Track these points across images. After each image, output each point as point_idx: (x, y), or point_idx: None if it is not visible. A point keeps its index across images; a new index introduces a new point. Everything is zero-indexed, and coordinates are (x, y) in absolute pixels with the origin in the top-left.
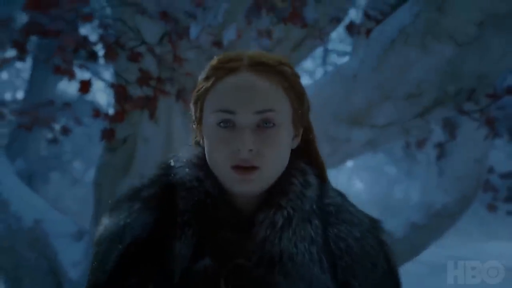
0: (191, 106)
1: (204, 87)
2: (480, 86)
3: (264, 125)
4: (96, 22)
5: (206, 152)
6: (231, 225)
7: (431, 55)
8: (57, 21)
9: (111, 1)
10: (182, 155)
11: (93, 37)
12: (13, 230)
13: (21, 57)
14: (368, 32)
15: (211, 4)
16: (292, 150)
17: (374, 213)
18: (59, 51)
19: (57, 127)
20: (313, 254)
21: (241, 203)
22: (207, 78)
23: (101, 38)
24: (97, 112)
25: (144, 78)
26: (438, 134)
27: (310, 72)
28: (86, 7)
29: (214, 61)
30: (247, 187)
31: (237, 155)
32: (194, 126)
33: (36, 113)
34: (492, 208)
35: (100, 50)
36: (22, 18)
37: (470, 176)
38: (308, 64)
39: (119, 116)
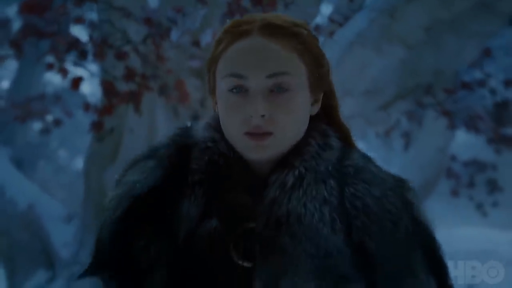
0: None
1: (215, 53)
2: (438, 82)
3: (278, 90)
4: (86, 24)
5: (220, 119)
6: (243, 187)
7: (385, 57)
8: (50, 24)
9: (99, 5)
10: (199, 123)
11: (82, 36)
12: (8, 214)
13: (18, 56)
14: (332, 34)
15: (190, 10)
16: (312, 116)
17: None
18: (52, 51)
19: (49, 118)
20: (325, 215)
21: (255, 165)
22: (218, 43)
23: (91, 39)
24: (87, 106)
25: (130, 75)
26: (405, 124)
27: None
28: (77, 10)
29: (226, 25)
30: (261, 154)
31: (250, 121)
32: (209, 95)
33: (29, 106)
34: (455, 193)
35: (89, 50)
36: (18, 19)
37: (432, 163)
38: None
39: (108, 109)
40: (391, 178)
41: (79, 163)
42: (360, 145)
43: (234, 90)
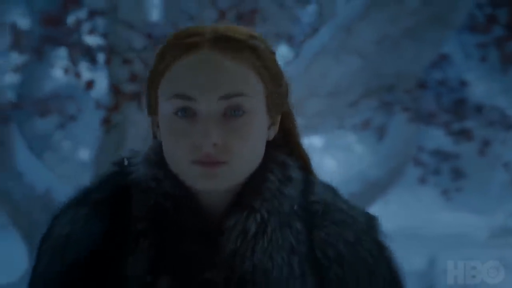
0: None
1: (158, 68)
2: (399, 83)
3: (232, 113)
4: (97, 34)
5: (163, 147)
6: (195, 234)
7: (343, 65)
8: (67, 34)
9: (108, 19)
10: (139, 151)
11: (89, 40)
12: (27, 197)
13: (38, 61)
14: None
15: (185, 26)
16: (269, 142)
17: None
18: (69, 57)
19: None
20: (294, 267)
21: (207, 205)
22: (161, 57)
23: (101, 47)
24: (98, 105)
25: (133, 78)
26: (377, 120)
27: None
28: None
29: (170, 37)
30: (212, 184)
31: (199, 149)
32: (149, 116)
33: (46, 103)
34: (422, 180)
35: (100, 56)
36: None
37: (400, 154)
38: None
39: (115, 107)
40: (361, 216)
41: (83, 154)
42: (350, 136)
43: (179, 113)
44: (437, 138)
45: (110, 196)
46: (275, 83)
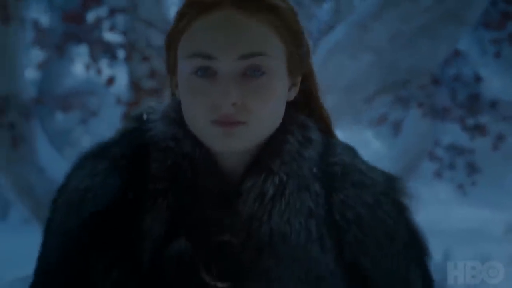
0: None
1: (177, 27)
2: (414, 78)
3: (252, 73)
4: (117, 32)
5: (182, 107)
6: (213, 195)
7: (358, 61)
8: (88, 32)
9: (128, 16)
10: (158, 107)
11: (110, 37)
12: (49, 192)
13: (60, 57)
14: (319, 40)
15: None
16: (289, 102)
17: None
18: (90, 53)
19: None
20: (312, 231)
21: (226, 166)
22: (181, 16)
23: (121, 44)
24: (119, 100)
25: (153, 74)
26: (394, 115)
27: None
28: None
29: None
30: (230, 143)
31: (218, 109)
32: (168, 76)
33: (68, 99)
34: (438, 175)
35: (120, 53)
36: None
37: (416, 148)
38: None
39: (135, 103)
40: (381, 177)
41: None
42: (367, 132)
43: (199, 72)
44: (452, 133)
45: (129, 152)
46: (296, 43)
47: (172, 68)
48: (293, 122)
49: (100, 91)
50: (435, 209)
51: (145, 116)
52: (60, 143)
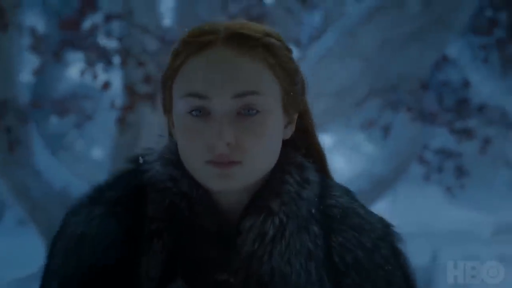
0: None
1: (172, 66)
2: (402, 83)
3: (246, 112)
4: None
5: (178, 146)
6: (211, 235)
7: (348, 67)
8: (84, 38)
9: (123, 22)
10: (155, 149)
11: (105, 43)
12: (45, 194)
13: (58, 62)
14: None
15: None
16: (285, 141)
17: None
18: (86, 59)
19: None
20: (311, 273)
21: (224, 205)
22: (176, 56)
23: (116, 50)
24: (113, 105)
25: (147, 79)
26: (384, 118)
27: None
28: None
29: (184, 35)
30: (226, 183)
31: (213, 149)
32: (164, 115)
33: (63, 103)
34: (427, 178)
35: (116, 58)
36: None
37: (404, 152)
38: None
39: (130, 107)
40: (379, 222)
41: (97, 153)
42: (343, 134)
43: (194, 113)
44: (441, 136)
45: (125, 195)
46: (290, 81)
47: (168, 107)
48: (291, 162)
49: (95, 96)
50: (424, 211)
51: (141, 159)
52: (55, 146)
